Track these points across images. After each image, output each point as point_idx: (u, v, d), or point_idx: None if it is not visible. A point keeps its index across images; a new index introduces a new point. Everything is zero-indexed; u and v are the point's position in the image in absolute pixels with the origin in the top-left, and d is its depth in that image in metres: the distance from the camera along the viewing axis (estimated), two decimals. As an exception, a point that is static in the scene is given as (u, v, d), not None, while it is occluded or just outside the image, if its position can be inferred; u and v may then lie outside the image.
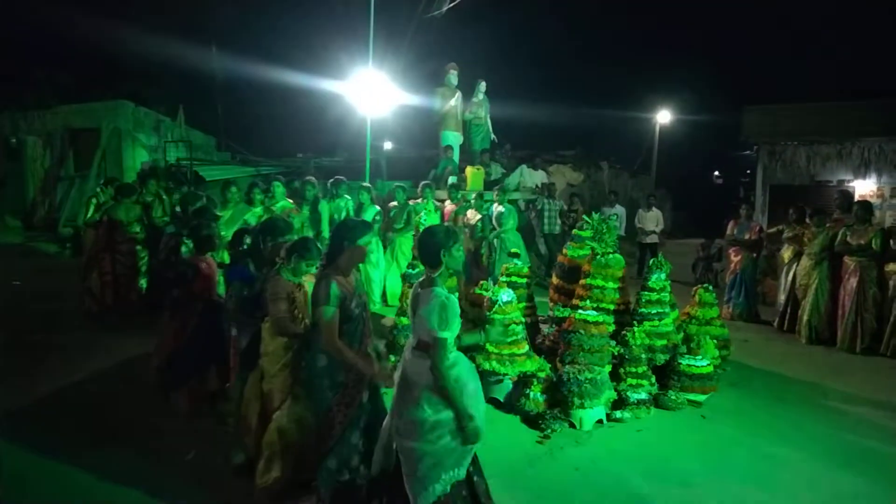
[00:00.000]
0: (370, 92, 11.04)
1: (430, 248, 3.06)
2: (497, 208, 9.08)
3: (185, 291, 5.02)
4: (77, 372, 5.96)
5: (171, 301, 5.19)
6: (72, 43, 18.26)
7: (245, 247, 4.71)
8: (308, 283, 3.77)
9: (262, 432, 3.75)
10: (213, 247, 5.23)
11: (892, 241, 7.43)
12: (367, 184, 9.16)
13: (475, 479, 3.09)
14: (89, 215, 8.06)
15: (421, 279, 3.17)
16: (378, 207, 8.75)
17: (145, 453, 4.37)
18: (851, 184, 13.27)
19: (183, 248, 5.42)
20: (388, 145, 18.70)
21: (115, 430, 4.75)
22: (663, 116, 23.18)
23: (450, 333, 2.90)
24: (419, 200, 9.35)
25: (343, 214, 8.25)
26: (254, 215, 7.28)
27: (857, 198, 10.98)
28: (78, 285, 8.11)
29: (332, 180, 8.93)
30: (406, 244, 9.15)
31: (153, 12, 18.90)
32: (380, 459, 3.18)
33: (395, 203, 9.27)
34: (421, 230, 7.71)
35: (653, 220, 12.43)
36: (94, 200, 8.18)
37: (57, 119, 17.10)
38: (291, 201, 8.26)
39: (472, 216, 8.99)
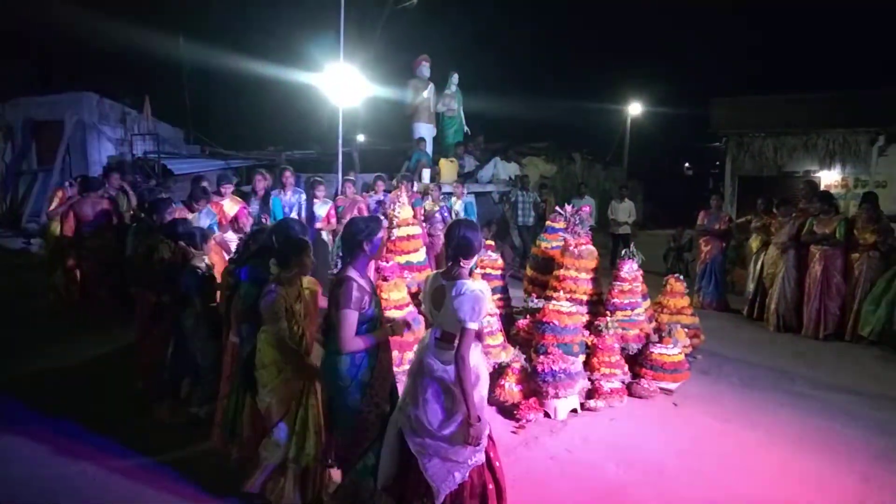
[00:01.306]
0: (342, 83, 10.92)
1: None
2: (457, 201, 9.11)
3: (175, 296, 4.74)
4: (32, 368, 5.83)
5: (156, 306, 4.94)
6: (33, 32, 17.74)
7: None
8: (305, 284, 3.65)
9: (256, 442, 3.61)
10: (196, 245, 4.99)
11: (855, 231, 7.62)
12: (319, 177, 8.94)
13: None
14: (52, 207, 7.87)
15: (442, 271, 3.18)
16: (330, 202, 8.42)
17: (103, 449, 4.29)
18: (817, 174, 13.58)
19: (164, 252, 5.03)
20: (361, 138, 18.54)
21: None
22: (634, 108, 23.38)
23: (476, 325, 2.96)
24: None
25: (296, 210, 7.99)
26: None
27: (822, 188, 11.23)
28: (44, 281, 7.92)
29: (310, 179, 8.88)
30: None
31: (118, 0, 18.42)
32: (387, 466, 3.14)
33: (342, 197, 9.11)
34: (395, 223, 7.69)
35: (625, 211, 12.55)
36: (59, 193, 7.98)
37: (18, 111, 16.59)
38: (240, 202, 7.69)
39: (430, 208, 8.91)
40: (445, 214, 8.71)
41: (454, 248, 3.10)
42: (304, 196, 7.96)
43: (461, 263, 3.10)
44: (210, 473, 3.93)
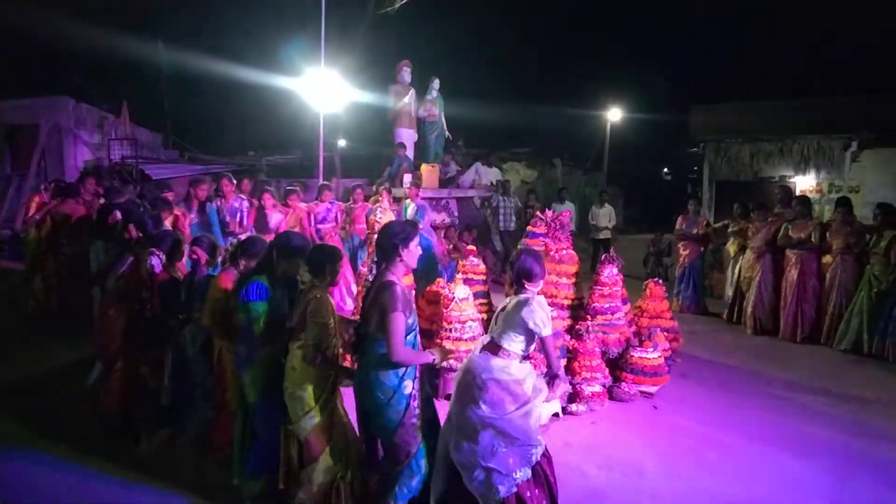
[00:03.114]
0: (323, 88, 10.90)
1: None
2: (411, 204, 9.11)
3: (168, 312, 4.43)
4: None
5: (142, 324, 4.56)
6: (7, 35, 17.45)
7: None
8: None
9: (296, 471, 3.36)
10: (182, 255, 4.80)
11: (828, 235, 7.76)
12: (269, 186, 8.82)
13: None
14: (30, 214, 7.74)
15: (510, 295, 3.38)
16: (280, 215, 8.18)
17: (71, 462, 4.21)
18: (792, 180, 13.79)
19: (154, 262, 4.65)
20: (342, 143, 18.51)
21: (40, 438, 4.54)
22: (614, 115, 23.61)
23: (549, 332, 3.19)
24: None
25: (238, 218, 7.69)
26: None
27: (797, 193, 11.41)
28: (20, 289, 7.78)
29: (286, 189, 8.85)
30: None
31: (95, 3, 18.20)
32: (438, 481, 3.17)
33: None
34: (376, 229, 7.66)
35: (605, 216, 12.66)
36: (36, 199, 7.86)
37: (-8, 115, 16.33)
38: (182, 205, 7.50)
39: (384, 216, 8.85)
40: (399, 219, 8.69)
41: (517, 273, 3.36)
42: (246, 203, 7.77)
43: (525, 287, 3.33)
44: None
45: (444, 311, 5.51)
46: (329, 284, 3.40)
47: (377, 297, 3.10)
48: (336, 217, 8.82)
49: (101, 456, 4.27)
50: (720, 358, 7.07)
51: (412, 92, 11.47)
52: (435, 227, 9.65)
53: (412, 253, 3.24)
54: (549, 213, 6.35)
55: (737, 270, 8.72)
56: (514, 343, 3.20)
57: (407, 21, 17.25)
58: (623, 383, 5.66)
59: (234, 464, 3.72)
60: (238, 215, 7.59)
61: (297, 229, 7.82)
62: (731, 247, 8.98)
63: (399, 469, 3.17)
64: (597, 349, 5.64)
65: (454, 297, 5.49)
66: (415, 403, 3.16)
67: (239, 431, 3.71)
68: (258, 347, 3.49)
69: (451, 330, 5.45)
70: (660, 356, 5.84)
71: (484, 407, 3.04)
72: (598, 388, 5.46)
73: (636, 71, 25.52)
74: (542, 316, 3.17)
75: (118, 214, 5.90)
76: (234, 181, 7.86)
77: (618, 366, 5.81)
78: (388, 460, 3.25)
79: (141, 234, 5.09)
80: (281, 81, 13.15)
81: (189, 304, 4.31)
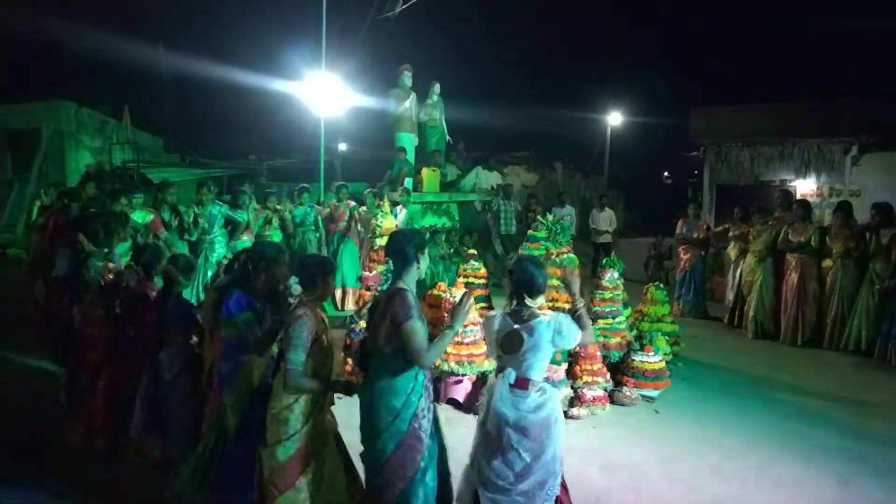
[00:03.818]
0: (324, 92, 10.92)
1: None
2: (401, 210, 9.12)
3: (140, 330, 4.13)
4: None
5: (115, 341, 4.31)
6: (9, 39, 17.50)
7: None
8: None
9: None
10: (160, 268, 4.37)
11: (828, 239, 7.76)
12: (246, 190, 8.75)
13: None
14: (33, 219, 7.75)
15: (508, 312, 3.06)
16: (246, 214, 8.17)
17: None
18: (793, 183, 13.80)
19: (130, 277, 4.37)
20: (342, 146, 18.56)
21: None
22: (614, 118, 23.65)
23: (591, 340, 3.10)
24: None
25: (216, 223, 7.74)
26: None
27: (798, 197, 11.42)
28: (21, 292, 7.78)
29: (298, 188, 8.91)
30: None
31: (97, 8, 18.25)
32: None
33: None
34: (377, 232, 7.68)
35: (606, 219, 12.67)
36: (37, 203, 7.86)
37: (-7, 119, 16.37)
38: (152, 211, 7.28)
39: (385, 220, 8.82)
40: None
41: (517, 285, 3.03)
42: (226, 206, 7.79)
43: (527, 302, 3.02)
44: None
45: (445, 315, 5.51)
46: (320, 298, 3.21)
47: (387, 307, 2.94)
48: (316, 221, 8.88)
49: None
50: (721, 362, 7.07)
51: (413, 96, 11.48)
52: (435, 232, 9.66)
53: (426, 259, 3.13)
54: (549, 216, 6.36)
55: (738, 274, 8.72)
56: (540, 371, 3.01)
57: (408, 25, 17.27)
58: (624, 387, 5.66)
59: (185, 480, 3.42)
60: (216, 220, 7.62)
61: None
62: (732, 251, 8.98)
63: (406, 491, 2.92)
64: (598, 353, 5.64)
65: (455, 301, 5.49)
66: (416, 424, 2.93)
67: (202, 451, 3.43)
68: (240, 365, 3.32)
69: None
70: (661, 360, 5.85)
71: (525, 456, 2.86)
72: (599, 392, 5.46)
73: (636, 75, 25.63)
74: (571, 329, 2.99)
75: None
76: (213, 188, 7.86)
77: (619, 370, 5.81)
78: (373, 489, 2.99)
79: (93, 245, 4.92)
80: (282, 85, 13.19)
81: (161, 326, 3.96)
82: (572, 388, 5.42)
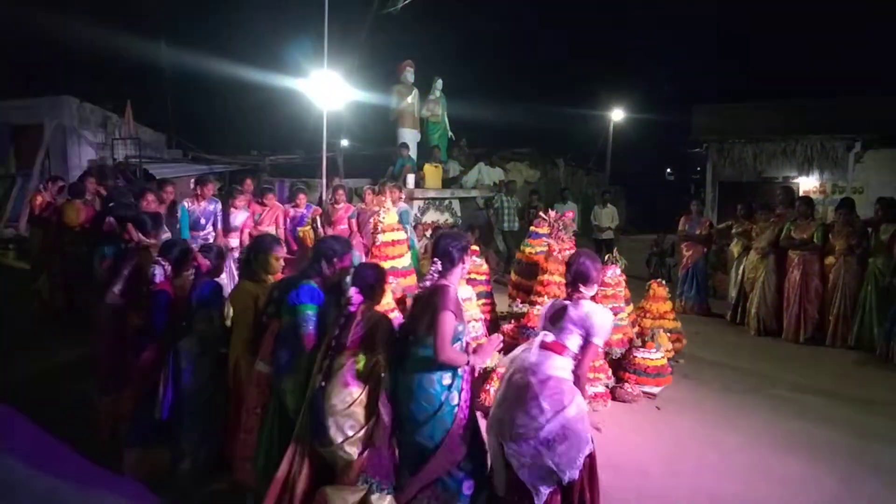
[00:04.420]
0: (326, 88, 10.91)
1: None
2: (394, 209, 9.10)
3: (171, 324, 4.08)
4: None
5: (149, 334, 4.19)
6: (11, 34, 17.51)
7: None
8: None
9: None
10: (190, 266, 4.42)
11: (831, 236, 7.75)
12: (239, 187, 8.57)
13: None
14: (35, 213, 7.77)
15: (565, 296, 3.37)
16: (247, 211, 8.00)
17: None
18: (796, 180, 13.79)
19: (157, 272, 4.24)
20: (345, 142, 18.54)
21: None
22: (617, 115, 23.57)
23: (601, 342, 3.25)
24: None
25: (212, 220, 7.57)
26: None
27: (801, 194, 11.41)
28: (25, 288, 7.81)
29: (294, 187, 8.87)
30: None
31: (99, 3, 18.24)
32: (501, 476, 3.11)
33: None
34: (379, 228, 7.67)
35: (608, 216, 12.65)
36: (39, 198, 7.89)
37: (-4, 114, 16.37)
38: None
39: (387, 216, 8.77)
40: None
41: (574, 275, 3.32)
42: (219, 206, 7.67)
43: (580, 290, 3.28)
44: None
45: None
46: (376, 304, 3.43)
47: (430, 299, 3.11)
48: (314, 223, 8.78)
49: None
50: (723, 359, 7.06)
51: (415, 92, 11.49)
52: (438, 228, 9.66)
53: (470, 261, 3.34)
54: (552, 213, 6.36)
55: (740, 271, 8.71)
56: (576, 345, 3.18)
57: (410, 21, 17.26)
58: (626, 384, 5.66)
59: (258, 471, 3.47)
60: (212, 218, 7.51)
61: (272, 229, 7.87)
62: (735, 247, 8.97)
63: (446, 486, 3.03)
64: (600, 349, 5.65)
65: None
66: (462, 416, 3.07)
67: (266, 440, 3.47)
68: (302, 351, 3.36)
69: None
70: (663, 357, 5.85)
71: (545, 405, 2.98)
72: (601, 389, 5.47)
73: (639, 71, 25.58)
74: (608, 326, 3.20)
75: (112, 221, 5.66)
76: (211, 183, 7.79)
77: (621, 366, 5.82)
78: (418, 479, 3.06)
79: (142, 235, 4.98)
80: (284, 81, 13.17)
81: (189, 314, 4.01)
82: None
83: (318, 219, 8.82)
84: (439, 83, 11.80)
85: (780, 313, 8.10)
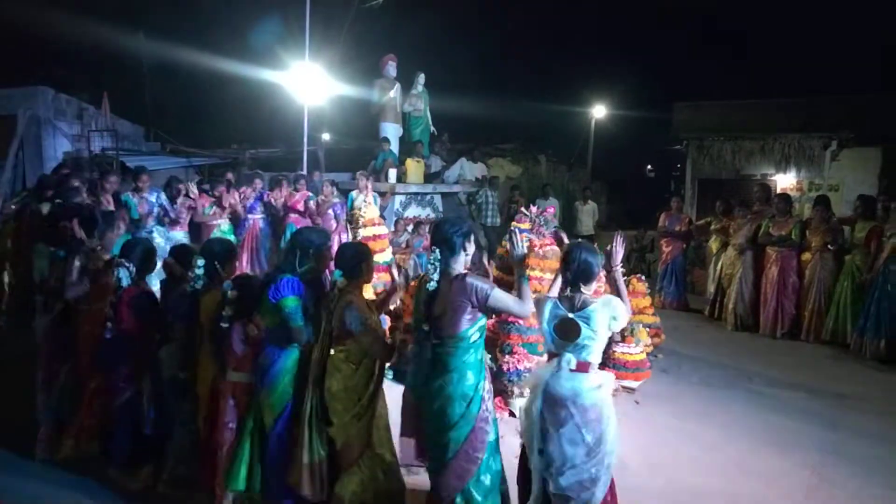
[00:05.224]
0: (307, 82, 10.82)
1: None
2: (360, 198, 9.07)
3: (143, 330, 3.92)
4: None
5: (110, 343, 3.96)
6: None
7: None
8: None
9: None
10: (154, 266, 4.17)
11: (808, 233, 7.86)
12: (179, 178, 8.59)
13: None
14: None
15: (560, 298, 3.10)
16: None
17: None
18: (773, 178, 13.94)
19: (122, 275, 3.95)
20: (326, 136, 18.41)
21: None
22: (598, 111, 23.66)
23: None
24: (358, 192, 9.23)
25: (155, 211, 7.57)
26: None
27: (778, 191, 11.55)
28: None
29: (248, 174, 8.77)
30: None
31: (75, -6, 17.89)
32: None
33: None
34: (360, 222, 7.64)
35: (588, 212, 12.72)
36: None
37: (-34, 105, 15.99)
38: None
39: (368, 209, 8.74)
40: (339, 211, 8.62)
41: (575, 273, 3.06)
42: (163, 195, 7.64)
43: (582, 290, 3.06)
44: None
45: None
46: (364, 282, 3.36)
47: (450, 295, 3.00)
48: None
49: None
50: (701, 353, 7.14)
51: (397, 86, 11.42)
52: (419, 223, 9.64)
53: (472, 246, 3.18)
54: (533, 208, 6.36)
55: (719, 267, 8.81)
56: (598, 355, 3.08)
57: (392, 15, 17.17)
58: (605, 378, 5.68)
59: (234, 480, 3.35)
60: (155, 209, 7.45)
61: (225, 222, 8.01)
62: (714, 244, 9.07)
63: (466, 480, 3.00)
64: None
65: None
66: (485, 406, 3.05)
67: (244, 456, 3.36)
68: (293, 350, 3.31)
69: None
70: (642, 352, 5.89)
71: (586, 433, 2.90)
72: (580, 384, 5.48)
73: (620, 68, 25.61)
74: (623, 310, 3.06)
75: (76, 223, 4.80)
76: (149, 175, 7.70)
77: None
78: (444, 475, 3.03)
79: (85, 234, 4.53)
80: (265, 74, 13.04)
81: (164, 322, 3.86)
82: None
83: (272, 202, 8.72)
84: (421, 78, 11.74)
85: (758, 309, 8.21)
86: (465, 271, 3.10)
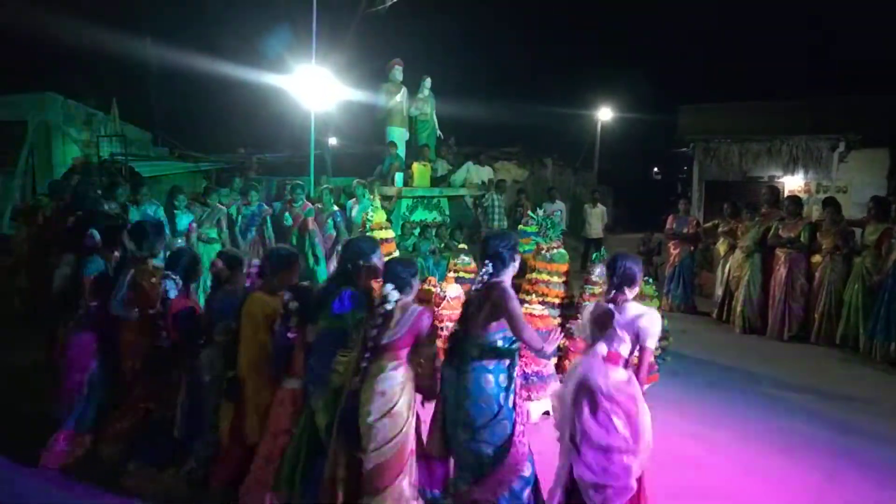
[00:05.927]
0: (314, 86, 10.87)
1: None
2: (355, 206, 9.09)
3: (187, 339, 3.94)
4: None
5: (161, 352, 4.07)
6: (-6, 30, 17.27)
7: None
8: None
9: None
10: (199, 275, 4.25)
11: (818, 235, 7.83)
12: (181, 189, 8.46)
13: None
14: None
15: (607, 298, 3.30)
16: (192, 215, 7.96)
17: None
18: (781, 180, 13.88)
19: (169, 286, 4.00)
20: (332, 141, 18.47)
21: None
22: (604, 114, 23.68)
23: (654, 345, 3.30)
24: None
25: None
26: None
27: (786, 193, 11.50)
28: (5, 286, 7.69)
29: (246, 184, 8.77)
30: None
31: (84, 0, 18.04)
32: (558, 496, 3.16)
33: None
34: (367, 227, 7.67)
35: (598, 216, 12.73)
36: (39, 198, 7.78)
37: (-22, 111, 16.13)
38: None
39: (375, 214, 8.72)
40: (338, 220, 8.61)
41: (620, 278, 3.30)
42: (160, 209, 7.55)
43: (626, 292, 3.29)
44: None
45: (436, 309, 5.51)
46: (412, 298, 3.38)
47: (487, 296, 3.19)
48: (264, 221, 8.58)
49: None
50: (709, 356, 7.12)
51: (404, 90, 11.45)
52: (426, 226, 9.65)
53: (519, 257, 3.36)
54: (540, 211, 6.38)
55: (726, 270, 8.79)
56: (628, 348, 3.24)
57: (398, 19, 17.23)
58: (613, 381, 5.67)
59: (285, 483, 3.39)
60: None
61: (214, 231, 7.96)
62: (721, 246, 9.04)
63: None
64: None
65: (445, 296, 5.50)
66: (520, 420, 3.11)
67: (291, 460, 3.38)
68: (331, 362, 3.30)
69: (442, 328, 5.44)
70: (650, 354, 5.87)
71: (619, 424, 3.04)
72: (588, 387, 5.48)
73: (626, 71, 25.63)
74: (658, 327, 3.22)
75: (94, 235, 4.89)
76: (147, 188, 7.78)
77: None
78: (483, 489, 3.08)
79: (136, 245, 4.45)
80: (271, 79, 13.10)
81: (208, 326, 3.87)
82: (562, 382, 5.43)
83: (268, 220, 8.66)
84: (428, 82, 11.77)
85: (765, 311, 8.18)
86: (503, 280, 3.26)
